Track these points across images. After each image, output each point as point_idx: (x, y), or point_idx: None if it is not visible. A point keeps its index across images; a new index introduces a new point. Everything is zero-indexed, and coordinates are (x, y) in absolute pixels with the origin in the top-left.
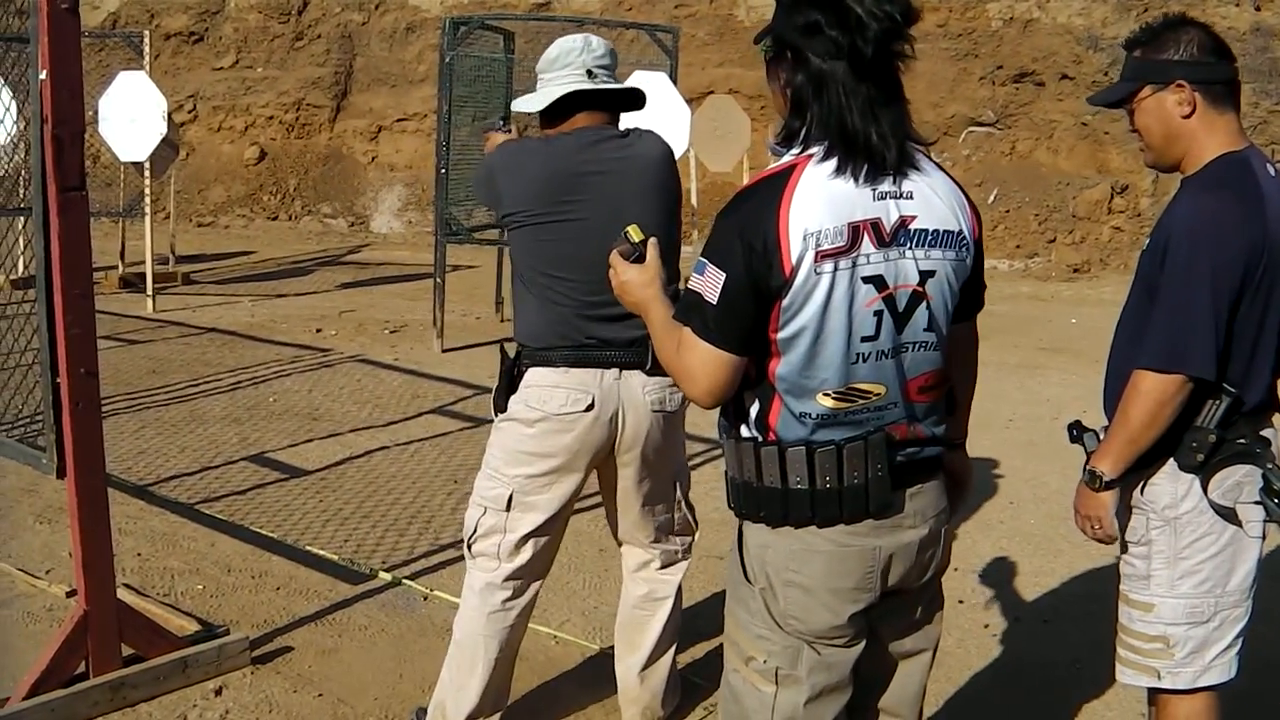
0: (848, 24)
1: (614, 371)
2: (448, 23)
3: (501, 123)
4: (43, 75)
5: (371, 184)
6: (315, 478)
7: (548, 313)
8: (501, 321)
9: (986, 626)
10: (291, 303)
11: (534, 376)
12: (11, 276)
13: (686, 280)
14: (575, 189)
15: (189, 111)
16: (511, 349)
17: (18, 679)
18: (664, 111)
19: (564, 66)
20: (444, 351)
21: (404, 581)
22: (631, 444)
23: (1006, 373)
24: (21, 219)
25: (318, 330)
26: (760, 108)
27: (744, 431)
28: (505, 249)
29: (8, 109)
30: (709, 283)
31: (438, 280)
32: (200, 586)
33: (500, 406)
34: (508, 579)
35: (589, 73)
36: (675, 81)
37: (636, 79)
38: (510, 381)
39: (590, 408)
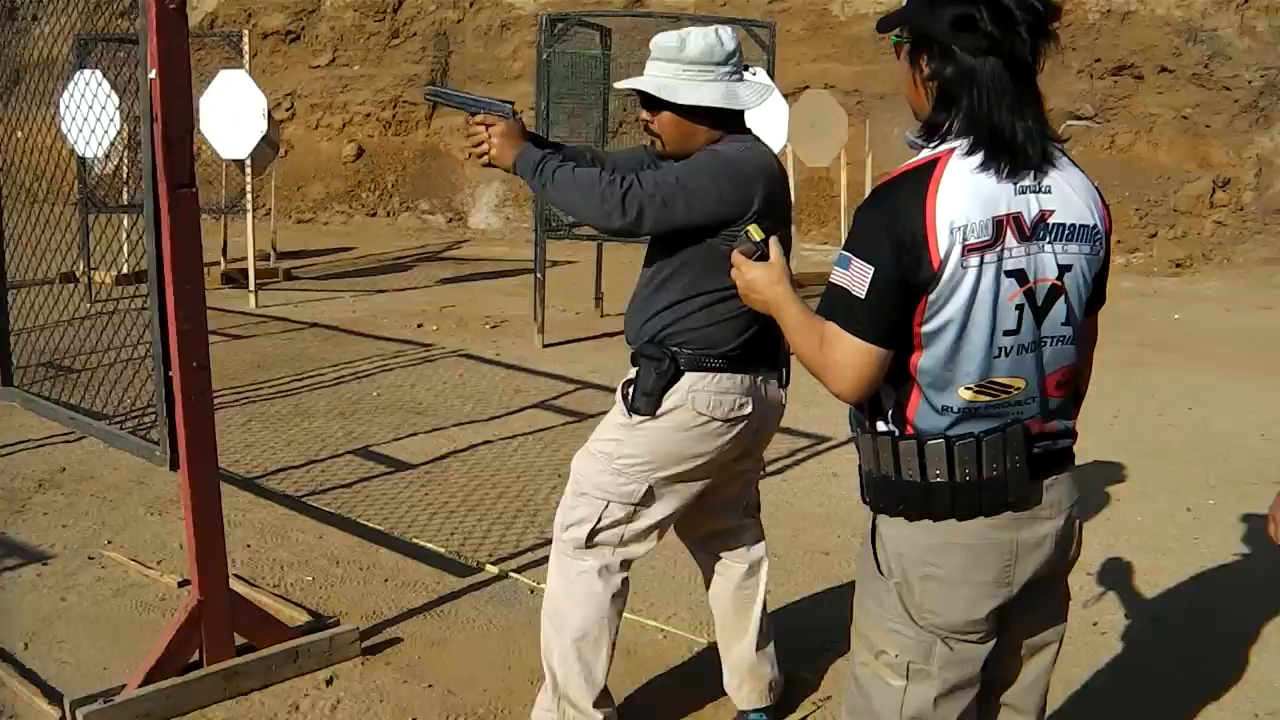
0: (1002, 19)
1: (761, 377)
2: (545, 19)
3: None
4: (152, 74)
5: (469, 180)
6: (420, 471)
7: (727, 319)
8: (601, 316)
9: (1095, 624)
10: (392, 298)
11: (701, 381)
12: (115, 273)
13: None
14: (780, 197)
15: (286, 110)
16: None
17: (132, 667)
18: (762, 107)
19: (727, 61)
20: (545, 347)
21: (510, 575)
22: (760, 445)
23: (1109, 370)
24: (124, 217)
25: (419, 325)
26: (856, 103)
27: (880, 426)
28: (603, 244)
29: (105, 109)
30: (856, 277)
31: (538, 276)
32: (309, 578)
33: (647, 408)
34: (624, 563)
35: (745, 68)
36: (773, 77)
37: None
38: (666, 384)
39: (752, 413)
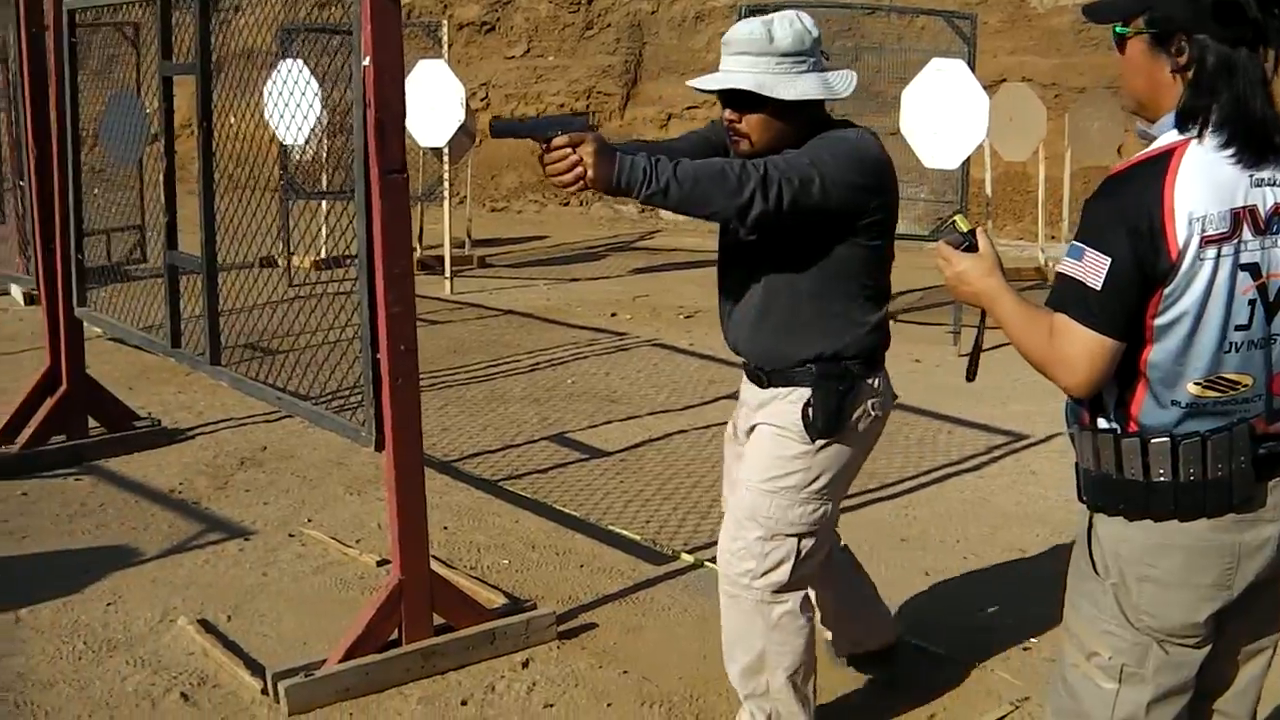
0: (1265, 7)
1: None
2: (744, 9)
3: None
4: (366, 62)
5: None
6: (615, 459)
7: (881, 320)
8: None
9: None
10: (585, 287)
11: (875, 383)
12: (314, 258)
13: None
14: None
15: (481, 100)
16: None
17: (331, 642)
18: (962, 100)
19: (815, 49)
20: None
21: (706, 564)
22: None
23: None
24: (322, 203)
25: (612, 314)
26: (1054, 96)
27: (1102, 422)
28: None
29: (306, 97)
30: (1091, 267)
31: None
32: (505, 561)
33: (837, 426)
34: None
35: (824, 53)
36: (973, 69)
37: (934, 66)
38: (840, 402)
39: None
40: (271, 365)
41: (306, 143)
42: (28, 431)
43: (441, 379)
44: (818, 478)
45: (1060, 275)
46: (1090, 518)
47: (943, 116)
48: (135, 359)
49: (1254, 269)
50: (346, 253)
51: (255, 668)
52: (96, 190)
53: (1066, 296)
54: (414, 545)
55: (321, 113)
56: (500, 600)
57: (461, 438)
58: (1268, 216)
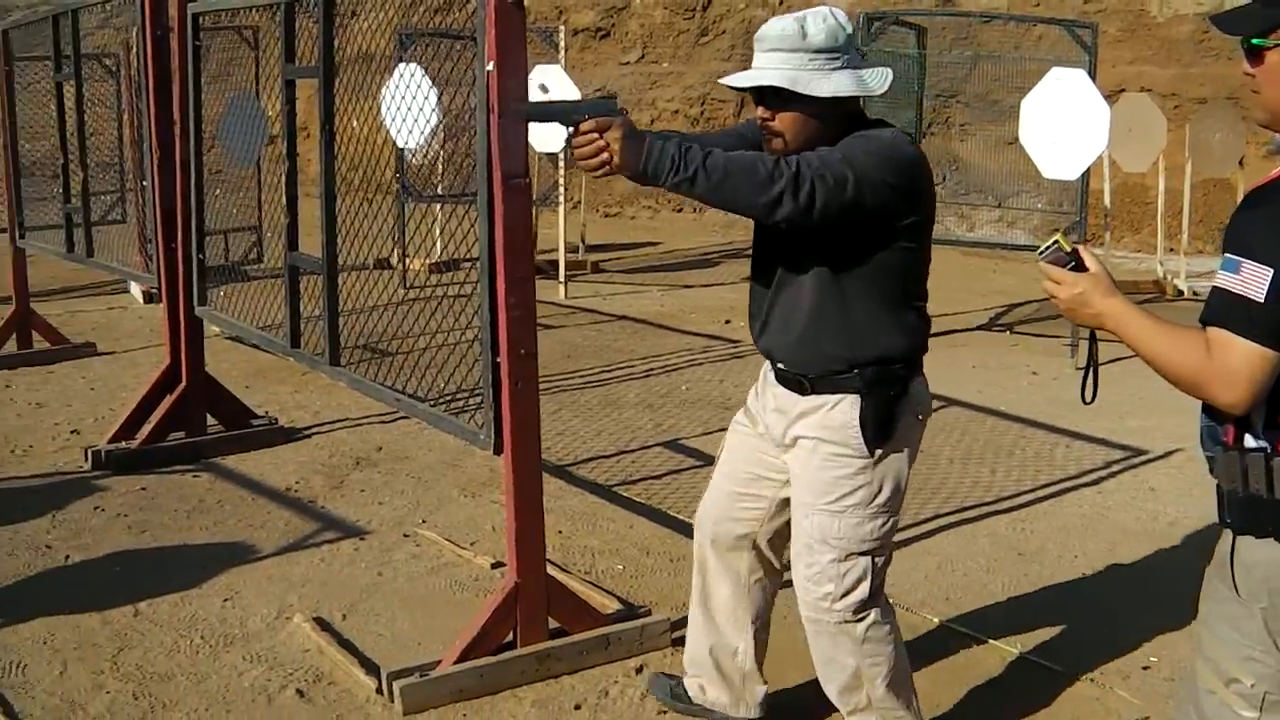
0: None
1: None
2: (862, 17)
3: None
4: (490, 66)
5: None
6: None
7: (922, 323)
8: None
9: None
10: (699, 293)
11: (918, 388)
12: (428, 261)
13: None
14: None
15: None
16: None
17: (445, 643)
18: (1082, 110)
19: (850, 45)
20: None
21: None
22: None
23: None
24: (437, 207)
25: (726, 321)
26: (1174, 107)
27: (1250, 441)
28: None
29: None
30: (1251, 280)
31: None
32: (620, 566)
33: (888, 433)
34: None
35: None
36: (1093, 79)
37: (1054, 76)
38: (892, 408)
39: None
40: (388, 367)
41: (422, 146)
42: (147, 427)
43: (556, 383)
44: (880, 490)
45: (1216, 290)
46: (1234, 540)
47: (1062, 126)
48: (251, 358)
49: None
50: (461, 256)
51: (370, 667)
52: (218, 191)
53: (1225, 311)
54: (530, 549)
55: (438, 117)
56: (614, 605)
57: (576, 442)
58: None
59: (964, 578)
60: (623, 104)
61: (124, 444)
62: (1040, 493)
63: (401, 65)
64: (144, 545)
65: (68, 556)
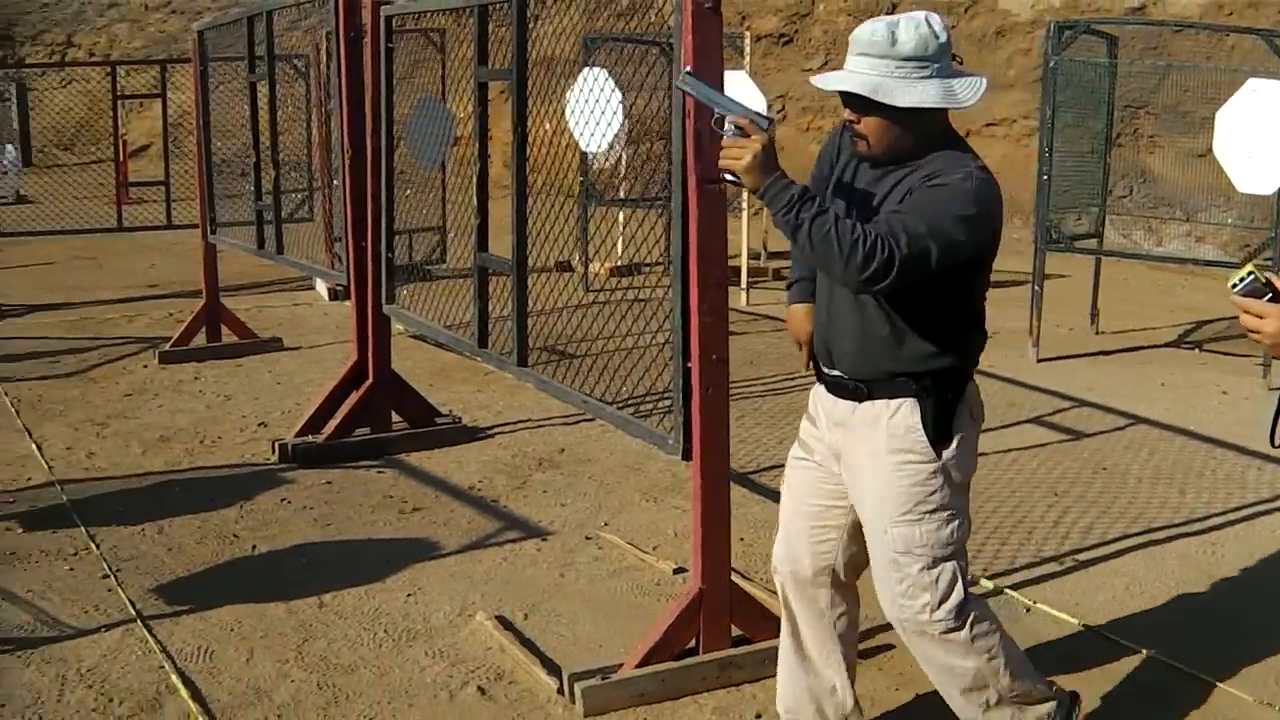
0: None
1: None
2: (1052, 26)
3: (768, 122)
4: (686, 70)
5: None
6: None
7: (978, 329)
8: (1096, 334)
9: None
10: None
11: (972, 390)
12: (610, 265)
13: None
14: None
15: (778, 111)
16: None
17: (626, 646)
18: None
19: (941, 55)
20: (1039, 361)
21: (1006, 591)
22: None
23: None
24: (620, 211)
25: None
26: None
27: None
28: (1101, 259)
29: (608, 106)
30: None
31: (1036, 289)
32: None
33: (947, 434)
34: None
35: (955, 58)
36: None
37: (1250, 87)
38: (952, 409)
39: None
40: (574, 369)
41: (606, 150)
42: (333, 423)
43: (738, 390)
44: (953, 493)
45: None
46: None
47: (1258, 139)
48: (435, 357)
49: None
50: (643, 260)
51: (551, 667)
52: (409, 192)
53: None
54: (715, 555)
55: (622, 122)
56: None
57: (759, 449)
58: None
59: (1151, 600)
60: (805, 108)
61: (310, 438)
62: (1231, 515)
63: (586, 69)
64: (329, 538)
65: (254, 547)
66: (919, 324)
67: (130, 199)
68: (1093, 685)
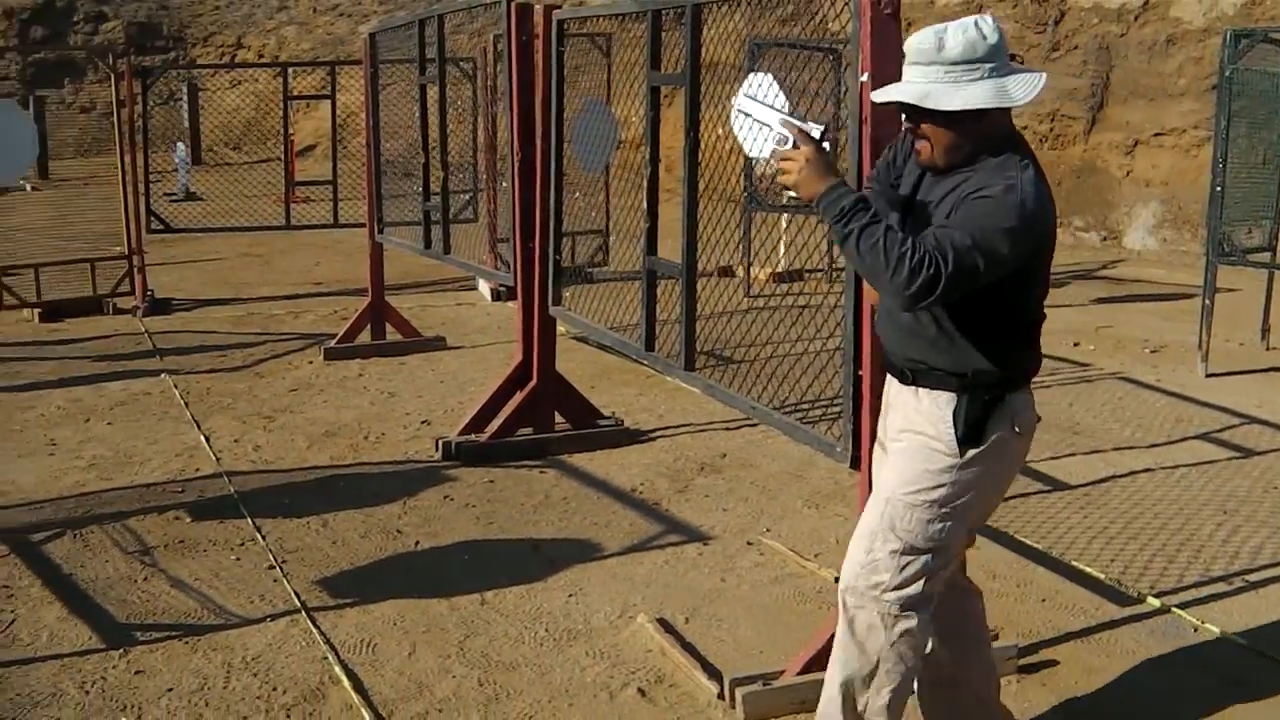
0: None
1: None
2: (1228, 35)
3: (822, 131)
4: (864, 78)
5: (1125, 199)
6: (1079, 493)
7: (1030, 337)
8: (1267, 349)
9: None
10: (1047, 314)
11: (1017, 399)
12: (772, 270)
13: None
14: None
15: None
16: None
17: (788, 653)
18: None
19: (993, 56)
20: (1208, 376)
21: (1174, 610)
22: None
23: None
24: (782, 217)
25: (1075, 344)
26: None
27: None
28: (1274, 272)
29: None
30: None
31: (1206, 302)
32: None
33: (978, 437)
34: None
35: (1013, 56)
36: None
37: None
38: (986, 412)
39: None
40: (738, 374)
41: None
42: (497, 422)
43: None
44: (962, 494)
45: None
46: None
47: None
48: (596, 359)
49: None
50: (804, 265)
51: (712, 671)
52: (578, 195)
53: None
54: None
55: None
56: None
57: None
58: None
59: None
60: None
61: (473, 437)
62: None
63: (752, 75)
64: (491, 536)
65: (417, 543)
66: (965, 331)
67: (297, 198)
68: (1261, 713)
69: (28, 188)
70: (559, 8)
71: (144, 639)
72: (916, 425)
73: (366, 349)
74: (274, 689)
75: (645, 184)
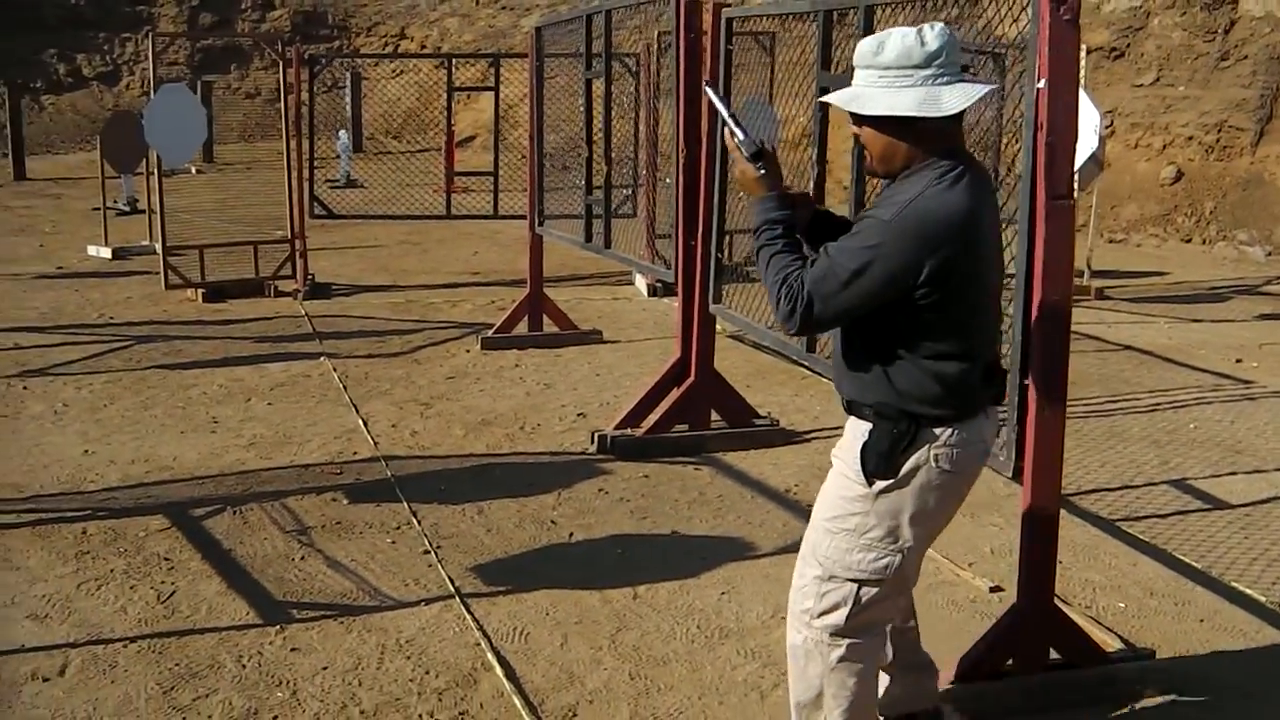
0: None
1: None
2: None
3: (754, 146)
4: (1041, 84)
5: None
6: (1239, 512)
7: (944, 374)
8: None
9: None
10: (1208, 329)
11: (943, 436)
12: None
13: None
14: (972, 251)
15: (1106, 127)
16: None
17: (940, 661)
18: None
19: (929, 63)
20: None
21: None
22: None
23: None
24: None
25: (1237, 360)
26: None
27: None
28: None
29: None
30: None
31: None
32: (1122, 605)
33: (887, 470)
34: (880, 628)
35: (964, 68)
36: None
37: None
38: (907, 444)
39: (988, 451)
40: None
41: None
42: (653, 417)
43: None
44: (875, 526)
45: None
46: None
47: None
48: (751, 358)
49: None
50: None
51: None
52: (741, 194)
53: None
54: (1039, 576)
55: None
56: (1116, 644)
57: (1079, 472)
58: None
59: None
60: (1134, 124)
61: (629, 431)
62: None
63: None
64: (645, 531)
65: (571, 534)
66: (873, 360)
67: (456, 188)
68: None
69: (193, 170)
70: (728, 5)
71: (300, 617)
72: (840, 452)
73: (523, 340)
74: (426, 672)
75: (812, 185)
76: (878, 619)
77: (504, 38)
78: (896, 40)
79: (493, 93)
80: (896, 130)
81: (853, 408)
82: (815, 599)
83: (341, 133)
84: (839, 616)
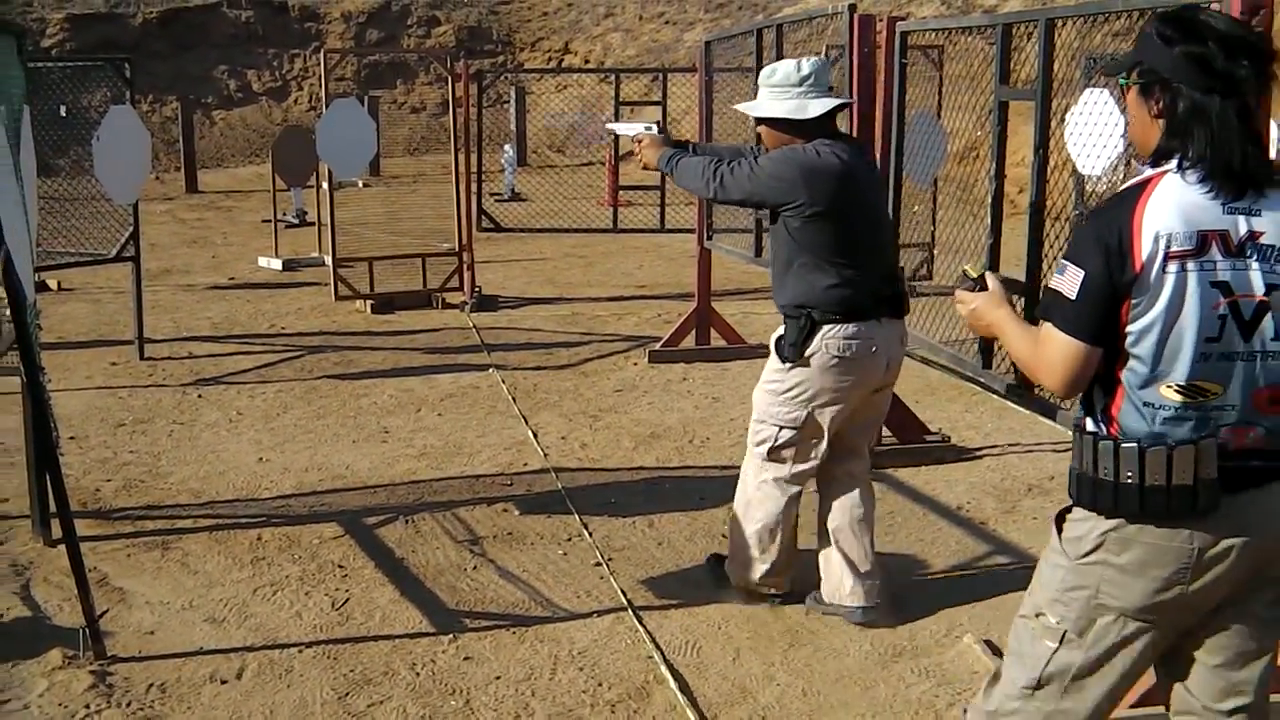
0: (1231, 59)
1: (884, 319)
2: None
3: (654, 126)
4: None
5: None
6: None
7: (842, 283)
8: None
9: None
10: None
11: (831, 331)
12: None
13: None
14: (847, 192)
15: None
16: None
17: None
18: None
19: (802, 83)
20: None
21: None
22: (892, 377)
23: None
24: None
25: None
26: None
27: (1089, 425)
28: None
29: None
30: (1069, 281)
31: None
32: None
33: (793, 356)
34: (796, 476)
35: (830, 88)
36: None
37: None
38: (806, 336)
39: (877, 350)
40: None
41: (1103, 175)
42: None
43: None
44: (789, 389)
45: (1046, 288)
46: (1071, 506)
47: None
48: (921, 374)
49: (1224, 287)
50: None
51: None
52: (917, 207)
53: (1049, 307)
54: None
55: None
56: None
57: None
58: (1240, 241)
59: None
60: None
61: None
62: None
63: (1089, 90)
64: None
65: None
66: (788, 272)
67: (621, 201)
68: None
69: (359, 184)
70: (902, 20)
71: (473, 626)
72: (773, 339)
73: (691, 353)
74: (599, 684)
75: (990, 199)
76: (791, 457)
77: (667, 52)
78: (786, 66)
79: (659, 106)
80: (785, 128)
81: (781, 309)
82: (752, 433)
83: (506, 147)
84: (764, 448)
